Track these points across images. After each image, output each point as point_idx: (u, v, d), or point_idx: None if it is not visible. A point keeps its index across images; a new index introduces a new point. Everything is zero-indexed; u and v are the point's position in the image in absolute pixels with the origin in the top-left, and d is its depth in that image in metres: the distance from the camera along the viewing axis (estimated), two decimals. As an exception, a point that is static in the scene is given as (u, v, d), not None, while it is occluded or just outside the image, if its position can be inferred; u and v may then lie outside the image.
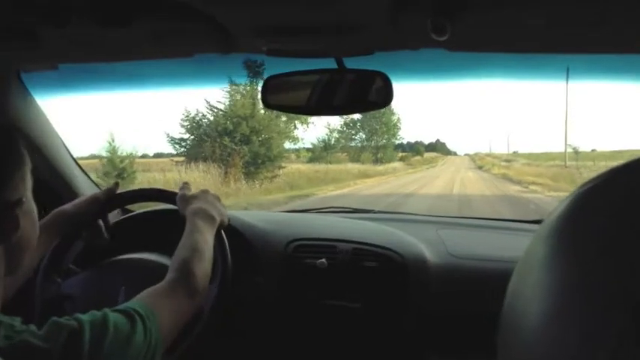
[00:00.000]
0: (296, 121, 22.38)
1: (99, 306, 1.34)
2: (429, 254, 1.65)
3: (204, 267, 1.15)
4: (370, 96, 1.40)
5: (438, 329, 1.58)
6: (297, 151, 28.22)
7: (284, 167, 20.53)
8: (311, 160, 30.95)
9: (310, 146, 34.35)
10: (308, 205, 11.41)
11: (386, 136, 43.47)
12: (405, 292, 1.58)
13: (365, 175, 26.04)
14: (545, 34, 1.05)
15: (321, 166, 26.48)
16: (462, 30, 1.03)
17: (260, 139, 18.91)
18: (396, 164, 40.82)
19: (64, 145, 1.77)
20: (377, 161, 39.87)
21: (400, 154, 49.24)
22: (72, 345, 0.79)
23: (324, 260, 1.59)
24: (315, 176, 21.97)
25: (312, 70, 1.40)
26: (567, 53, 1.16)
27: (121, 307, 0.90)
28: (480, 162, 53.74)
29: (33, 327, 0.79)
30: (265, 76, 1.40)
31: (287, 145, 22.63)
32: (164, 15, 1.05)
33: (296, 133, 22.22)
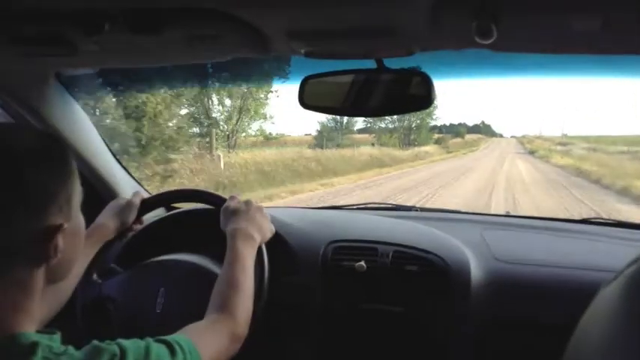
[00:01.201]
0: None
1: (139, 307, 1.37)
2: (473, 258, 1.59)
3: (246, 306, 1.13)
4: (411, 96, 1.35)
5: (481, 336, 1.53)
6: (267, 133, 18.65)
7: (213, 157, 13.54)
8: (317, 145, 25.94)
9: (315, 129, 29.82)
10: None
11: (420, 116, 36.94)
12: (446, 298, 1.53)
13: (380, 164, 19.82)
14: (600, 37, 0.97)
15: (317, 153, 19.62)
16: (508, 32, 0.96)
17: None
18: (429, 148, 35.10)
19: (106, 145, 1.79)
20: (409, 144, 35.42)
21: (437, 136, 43.31)
22: None
23: (362, 263, 1.56)
24: (290, 168, 15.17)
25: (350, 70, 1.35)
26: (623, 55, 1.08)
27: (163, 337, 0.88)
28: (530, 145, 45.57)
29: (71, 349, 0.78)
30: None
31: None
32: (198, 21, 1.03)
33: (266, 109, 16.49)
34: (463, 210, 2.27)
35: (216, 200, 1.44)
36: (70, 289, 1.24)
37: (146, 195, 1.46)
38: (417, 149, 32.58)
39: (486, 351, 1.53)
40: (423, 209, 2.21)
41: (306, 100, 1.41)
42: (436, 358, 1.57)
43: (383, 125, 37.09)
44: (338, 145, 26.34)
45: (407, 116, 36.04)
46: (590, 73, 1.60)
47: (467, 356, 1.54)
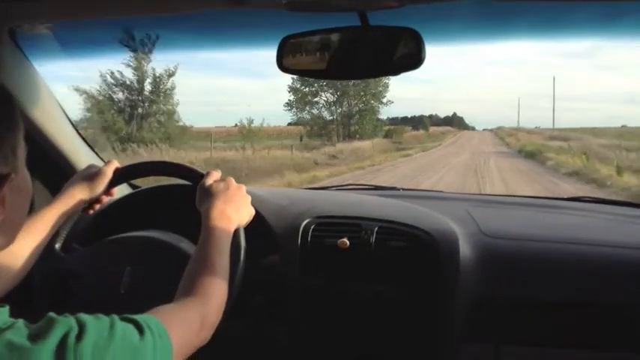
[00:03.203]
0: None
1: (103, 285, 1.25)
2: (460, 234, 1.52)
3: (220, 290, 1.03)
4: (398, 56, 1.25)
5: (470, 313, 1.45)
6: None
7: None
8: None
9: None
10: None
11: (364, 98, 27.79)
12: (434, 274, 1.45)
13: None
14: None
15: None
16: None
17: None
18: (367, 144, 24.82)
19: (64, 113, 1.65)
20: (349, 136, 26.48)
21: (388, 128, 33.26)
22: (68, 347, 0.66)
23: (345, 240, 1.47)
24: None
25: (332, 28, 1.26)
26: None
27: (130, 316, 0.77)
28: (512, 140, 34.53)
29: (20, 322, 0.67)
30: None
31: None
32: None
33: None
34: (447, 191, 2.22)
35: (193, 176, 1.32)
36: (29, 263, 1.14)
37: (119, 165, 1.34)
38: (342, 146, 22.50)
39: (476, 329, 1.46)
40: (406, 189, 2.13)
41: (285, 64, 1.31)
42: (424, 338, 1.48)
43: (316, 112, 27.04)
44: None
45: (346, 98, 26.66)
46: (592, 31, 1.52)
47: (456, 333, 1.47)
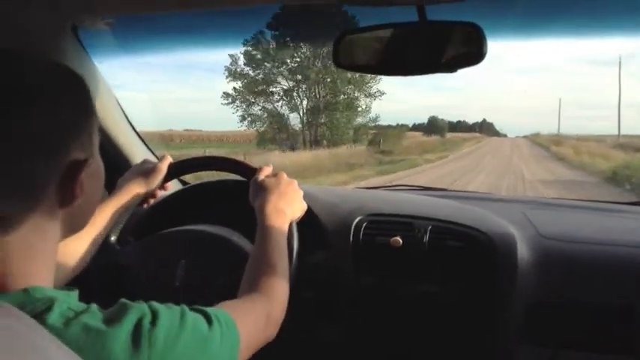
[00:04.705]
0: None
1: (157, 278, 1.27)
2: (518, 235, 1.47)
3: (282, 287, 1.04)
4: (458, 52, 1.22)
5: (527, 316, 1.41)
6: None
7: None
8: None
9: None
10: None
11: (331, 84, 19.06)
12: (491, 276, 1.41)
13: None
14: None
15: None
16: None
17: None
18: (330, 152, 17.56)
19: (121, 110, 1.69)
20: (315, 143, 18.72)
21: (372, 133, 23.94)
22: (143, 332, 0.67)
23: (398, 238, 1.44)
24: None
25: (389, 24, 1.24)
26: None
27: (199, 307, 0.78)
28: (564, 151, 23.34)
29: (94, 306, 0.68)
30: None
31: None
32: None
33: None
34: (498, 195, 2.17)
35: (246, 171, 1.34)
36: (89, 254, 1.16)
37: (172, 160, 1.36)
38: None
39: (533, 332, 1.41)
40: (456, 191, 2.10)
41: (342, 59, 1.30)
42: (479, 340, 1.44)
43: (269, 106, 19.14)
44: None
45: (314, 88, 18.07)
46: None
47: (512, 337, 1.42)
